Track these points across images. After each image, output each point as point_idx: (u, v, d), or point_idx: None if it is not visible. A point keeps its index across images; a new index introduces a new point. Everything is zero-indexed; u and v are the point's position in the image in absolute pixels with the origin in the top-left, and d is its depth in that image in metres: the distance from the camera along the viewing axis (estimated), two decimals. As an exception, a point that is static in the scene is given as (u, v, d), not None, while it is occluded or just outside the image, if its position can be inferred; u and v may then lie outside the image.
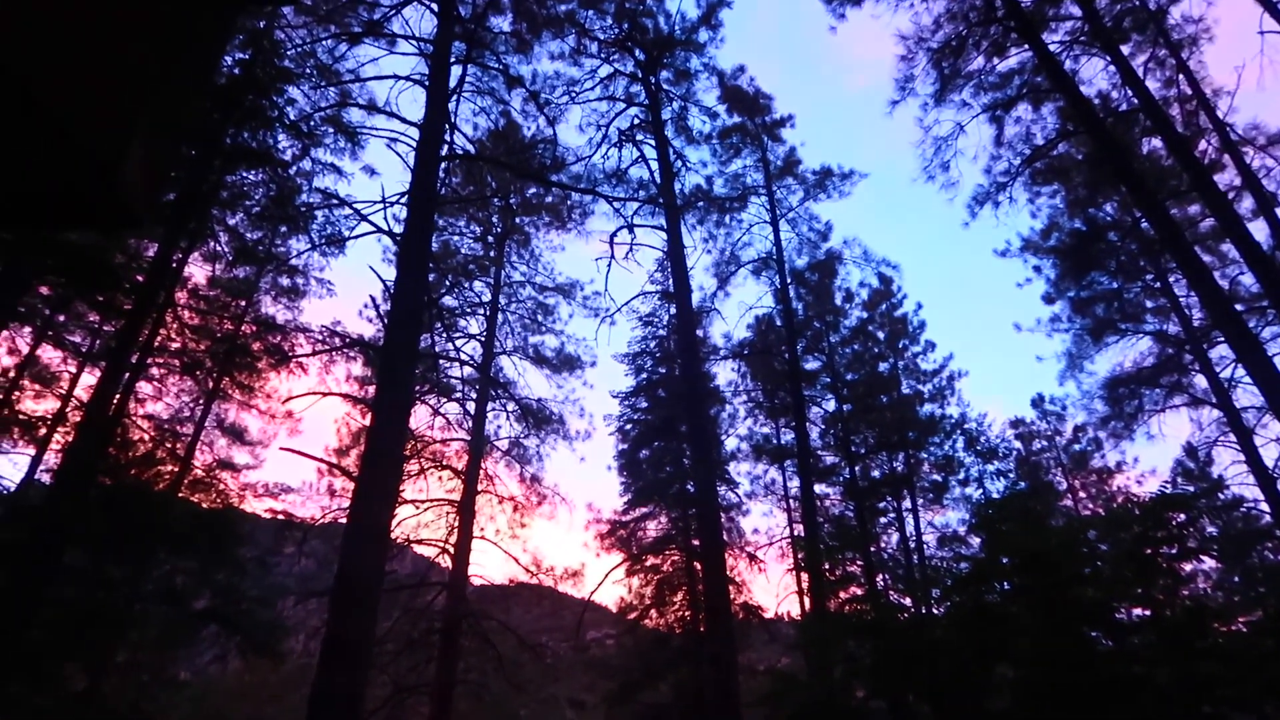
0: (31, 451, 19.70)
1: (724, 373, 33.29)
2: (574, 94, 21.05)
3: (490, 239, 25.89)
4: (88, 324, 20.22)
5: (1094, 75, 19.75)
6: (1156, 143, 20.40)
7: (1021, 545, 11.82)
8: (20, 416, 19.16)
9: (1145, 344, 24.77)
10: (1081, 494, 32.34)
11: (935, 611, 14.23)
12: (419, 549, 23.05)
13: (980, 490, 25.00)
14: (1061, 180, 22.17)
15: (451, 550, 21.94)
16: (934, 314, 46.16)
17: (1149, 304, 25.01)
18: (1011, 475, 26.26)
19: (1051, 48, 17.19)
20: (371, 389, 21.86)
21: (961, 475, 25.90)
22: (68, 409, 19.75)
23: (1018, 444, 31.57)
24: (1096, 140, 16.61)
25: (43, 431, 19.38)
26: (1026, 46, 17.41)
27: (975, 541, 17.02)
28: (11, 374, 19.01)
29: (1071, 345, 25.47)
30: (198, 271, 20.81)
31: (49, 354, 20.52)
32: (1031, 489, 25.55)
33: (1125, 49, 17.86)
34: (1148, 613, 11.47)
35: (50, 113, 1.12)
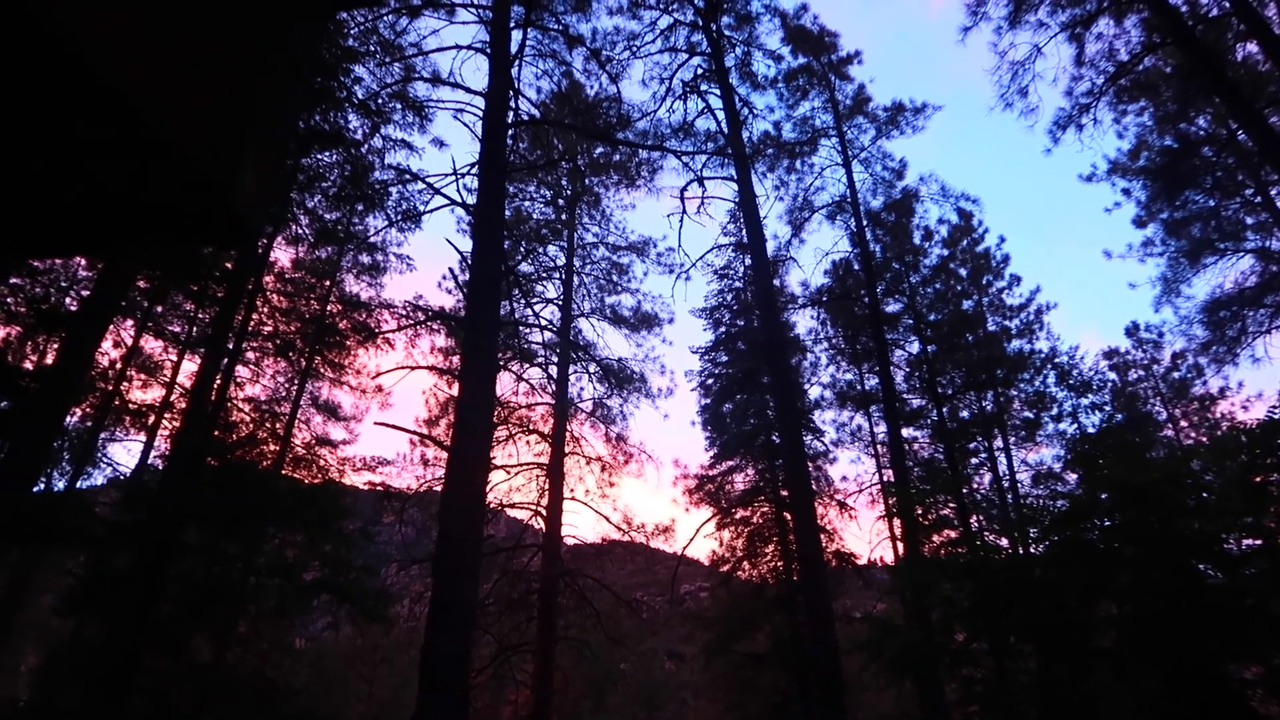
0: (142, 438, 20.73)
1: (803, 321, 32.95)
2: (635, 48, 20.79)
3: (561, 202, 25.95)
4: (184, 313, 21.02)
5: (1180, -19, 18.73)
6: (1252, 47, 19.17)
7: (1121, 479, 11.51)
8: (130, 406, 20.12)
9: (1247, 263, 23.49)
10: (1183, 423, 31.23)
11: (1033, 551, 14.00)
12: (512, 512, 23.56)
13: (1075, 425, 24.31)
14: (1149, 96, 21.08)
15: (544, 512, 22.37)
16: (1018, 247, 44.66)
17: (1249, 220, 23.68)
18: (1107, 408, 25.43)
19: (1133, -45, 16.30)
20: (456, 359, 22.28)
21: (1054, 411, 25.20)
22: (172, 396, 20.66)
23: (1113, 375, 30.62)
24: (1186, 50, 15.75)
25: (151, 419, 20.34)
26: (1106, -44, 16.54)
27: (1072, 478, 16.62)
28: (119, 366, 19.93)
29: (1166, 269, 24.37)
30: (282, 255, 21.44)
31: (151, 344, 21.46)
32: (1129, 421, 24.80)
33: (1213, -52, 16.83)
34: (1258, 542, 11.08)
35: (166, 138, 1.15)
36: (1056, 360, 25.47)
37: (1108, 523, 12.38)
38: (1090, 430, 21.03)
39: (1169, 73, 20.21)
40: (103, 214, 1.34)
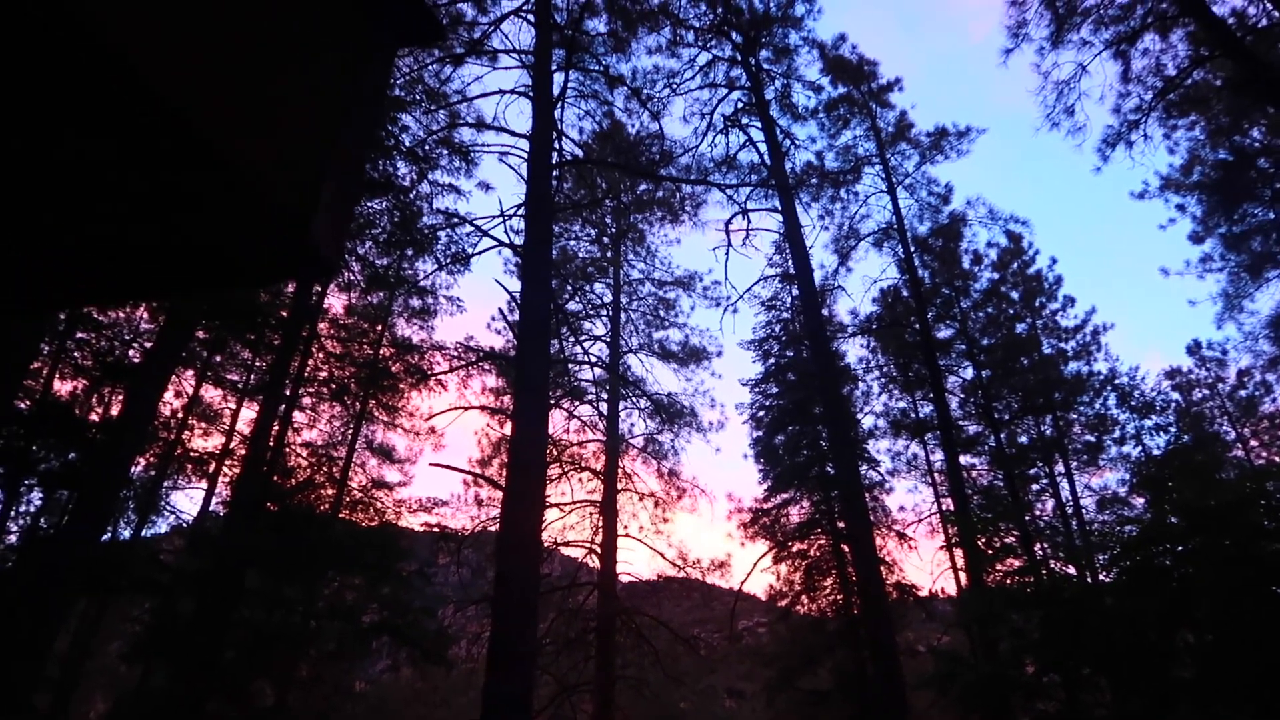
0: (204, 486, 21.15)
1: (853, 350, 32.57)
2: (675, 85, 20.96)
3: (606, 239, 26.17)
4: (242, 361, 21.49)
5: (1225, -7, 18.41)
6: (1305, 56, 18.80)
7: (1193, 502, 11.16)
8: (192, 454, 20.55)
9: (1313, 275, 22.84)
10: (1253, 443, 30.28)
11: (1103, 578, 13.59)
12: (566, 551, 23.51)
13: (1139, 448, 23.72)
14: (1199, 110, 20.70)
15: (598, 550, 22.29)
16: (1071, 267, 43.82)
17: (1313, 231, 23.06)
18: (1172, 429, 24.74)
19: (1174, -32, 16.07)
20: (507, 399, 22.42)
21: (1117, 434, 24.65)
22: (232, 443, 21.06)
23: (1176, 395, 29.80)
24: (1236, 62, 15.44)
25: (212, 466, 20.75)
26: (1146, -29, 16.35)
27: (1139, 502, 16.13)
28: (180, 415, 20.40)
29: (1227, 284, 23.75)
30: (335, 302, 21.85)
31: (210, 393, 21.95)
32: (1196, 441, 24.06)
33: (1259, -41, 16.54)
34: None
35: (242, 176, 1.17)
36: (1116, 382, 24.95)
37: (1180, 548, 11.99)
38: (1156, 452, 20.50)
39: (1219, 86, 19.84)
40: (187, 255, 1.37)
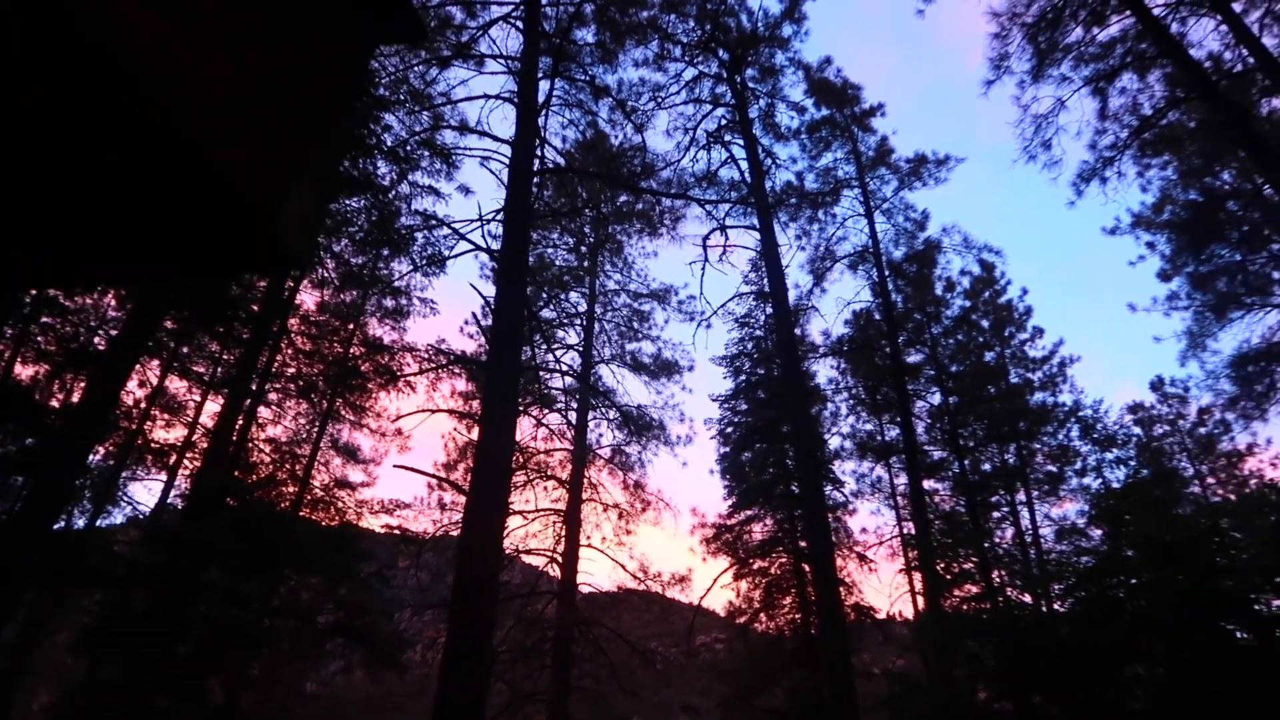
0: (163, 478, 20.80)
1: (824, 370, 32.88)
2: (660, 99, 21.04)
3: (584, 249, 26.17)
4: (210, 354, 21.20)
5: (1204, 37, 18.60)
6: (1278, 103, 19.23)
7: (1150, 536, 11.32)
8: (153, 445, 20.23)
9: (1275, 317, 23.25)
10: (1210, 480, 30.78)
11: (1058, 607, 13.75)
12: (528, 559, 23.39)
13: (1099, 480, 24.03)
14: (1173, 150, 21.09)
15: (560, 559, 22.19)
16: (1041, 299, 44.46)
17: (1276, 275, 23.51)
18: (1132, 463, 25.09)
19: (1156, 11, 16.34)
20: (476, 403, 22.31)
21: (1078, 465, 24.97)
22: (195, 436, 20.76)
23: (1138, 430, 30.24)
24: (1211, 105, 15.77)
25: (173, 458, 20.43)
26: (1128, 12, 16.59)
27: (1096, 533, 16.35)
28: (143, 405, 20.08)
29: (1192, 323, 24.13)
30: (308, 298, 21.65)
31: (175, 384, 21.62)
32: (1155, 476, 24.41)
33: (1236, 6, 16.86)
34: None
35: (217, 165, 1.18)
36: (1080, 414, 25.27)
37: (1134, 581, 12.15)
38: (1115, 485, 20.78)
39: (1193, 127, 20.24)
40: (157, 241, 1.36)
